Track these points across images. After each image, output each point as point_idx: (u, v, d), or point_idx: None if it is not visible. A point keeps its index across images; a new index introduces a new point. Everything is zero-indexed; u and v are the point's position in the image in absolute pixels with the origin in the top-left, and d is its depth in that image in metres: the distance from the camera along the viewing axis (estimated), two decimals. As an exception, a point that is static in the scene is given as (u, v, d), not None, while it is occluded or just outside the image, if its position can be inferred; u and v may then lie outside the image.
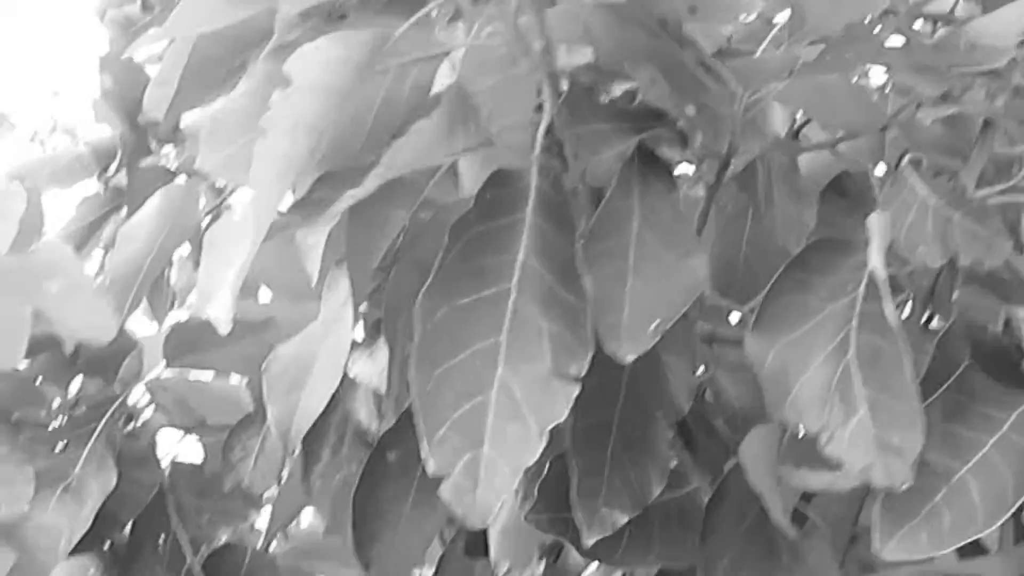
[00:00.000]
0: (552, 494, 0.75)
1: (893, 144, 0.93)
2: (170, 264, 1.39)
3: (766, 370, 0.69)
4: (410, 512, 0.90)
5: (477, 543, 0.88)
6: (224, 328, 0.61)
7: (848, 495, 0.86)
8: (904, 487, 0.65)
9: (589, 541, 0.71)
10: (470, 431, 0.61)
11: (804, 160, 0.90)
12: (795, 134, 0.95)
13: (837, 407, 0.67)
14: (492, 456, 0.60)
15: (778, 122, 0.87)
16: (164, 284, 1.38)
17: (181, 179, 1.33)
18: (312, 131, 0.62)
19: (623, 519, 0.72)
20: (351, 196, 0.63)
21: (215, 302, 0.62)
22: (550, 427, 0.61)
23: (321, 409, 0.71)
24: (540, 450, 0.61)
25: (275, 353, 0.76)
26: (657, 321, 0.65)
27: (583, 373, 0.63)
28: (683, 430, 0.84)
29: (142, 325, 1.39)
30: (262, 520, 1.28)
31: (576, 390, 0.62)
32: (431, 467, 0.60)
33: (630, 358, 0.64)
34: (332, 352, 0.69)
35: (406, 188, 0.71)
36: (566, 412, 0.62)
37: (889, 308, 0.67)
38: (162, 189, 1.08)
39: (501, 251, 0.65)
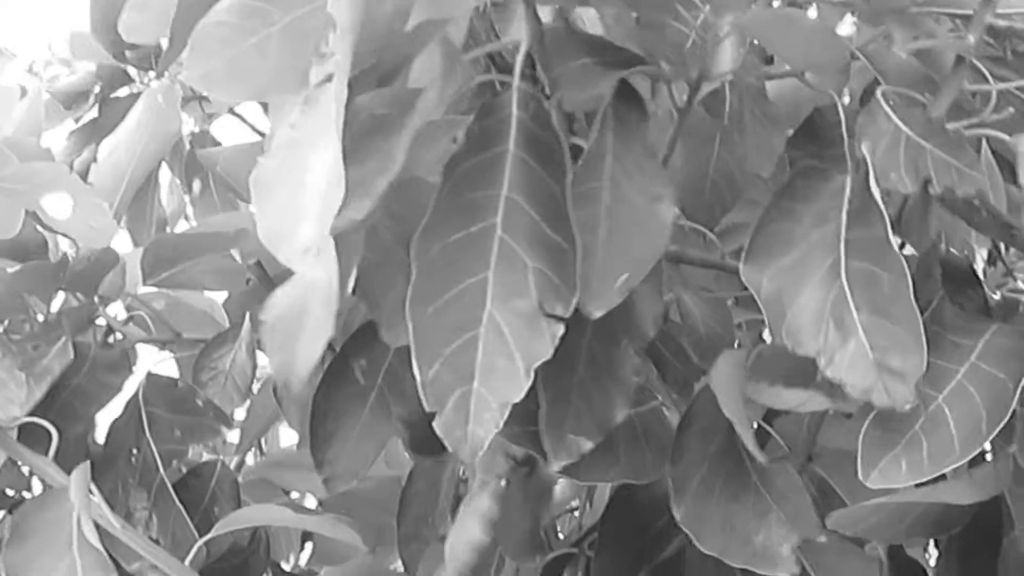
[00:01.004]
0: (523, 408, 0.75)
1: (860, 73, 0.92)
2: (158, 186, 1.38)
3: (763, 296, 0.69)
4: (366, 418, 0.90)
5: (424, 443, 0.87)
6: (310, 265, 0.57)
7: (807, 417, 0.87)
8: (907, 408, 0.66)
9: (556, 467, 0.71)
10: (461, 367, 0.61)
11: (771, 87, 0.89)
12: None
13: (833, 331, 0.67)
14: (481, 392, 0.60)
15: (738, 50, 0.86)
16: (147, 209, 1.37)
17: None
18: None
19: (588, 445, 0.72)
20: (390, 173, 0.61)
21: (300, 234, 0.58)
22: (536, 364, 0.61)
23: (319, 356, 0.70)
24: (526, 387, 0.61)
25: (269, 302, 0.74)
26: (626, 276, 0.65)
27: (568, 313, 0.62)
28: (651, 349, 0.84)
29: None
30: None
31: (561, 329, 0.62)
32: (426, 403, 0.60)
33: (597, 314, 0.64)
34: (323, 300, 0.67)
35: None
36: (551, 351, 0.62)
37: (889, 234, 0.67)
38: (142, 96, 1.06)
39: (487, 185, 0.64)
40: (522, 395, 0.61)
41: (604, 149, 0.70)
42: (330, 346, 0.97)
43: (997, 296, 0.91)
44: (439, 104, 0.66)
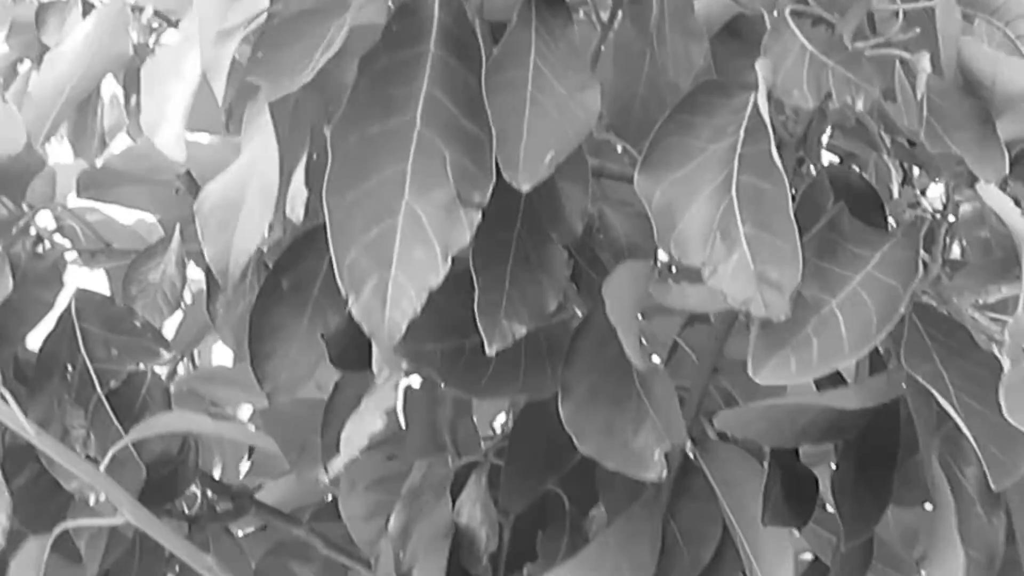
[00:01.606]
0: (424, 326, 0.75)
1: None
2: (100, 99, 1.36)
3: (654, 207, 0.69)
4: (304, 331, 0.90)
5: (345, 355, 0.87)
6: (177, 155, 0.60)
7: (713, 329, 0.88)
8: (782, 319, 0.66)
9: (491, 351, 0.70)
10: (378, 254, 0.61)
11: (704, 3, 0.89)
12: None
13: (719, 243, 0.67)
14: (400, 278, 0.61)
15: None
16: (89, 121, 1.35)
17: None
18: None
19: (522, 331, 0.72)
20: (329, 51, 0.61)
21: (164, 131, 0.60)
22: (454, 251, 0.61)
23: (255, 246, 0.70)
24: (444, 272, 0.61)
25: (205, 192, 0.74)
26: (552, 153, 0.65)
27: (486, 201, 0.63)
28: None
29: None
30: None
31: (478, 217, 0.62)
32: (342, 287, 0.60)
33: (527, 187, 0.64)
34: (260, 191, 0.67)
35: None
36: (469, 237, 0.62)
37: (773, 149, 0.67)
38: (93, 13, 1.04)
39: (406, 82, 0.64)
40: (440, 280, 0.61)
41: (527, 45, 0.69)
42: (264, 264, 0.98)
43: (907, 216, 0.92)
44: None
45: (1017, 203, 0.77)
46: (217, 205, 0.69)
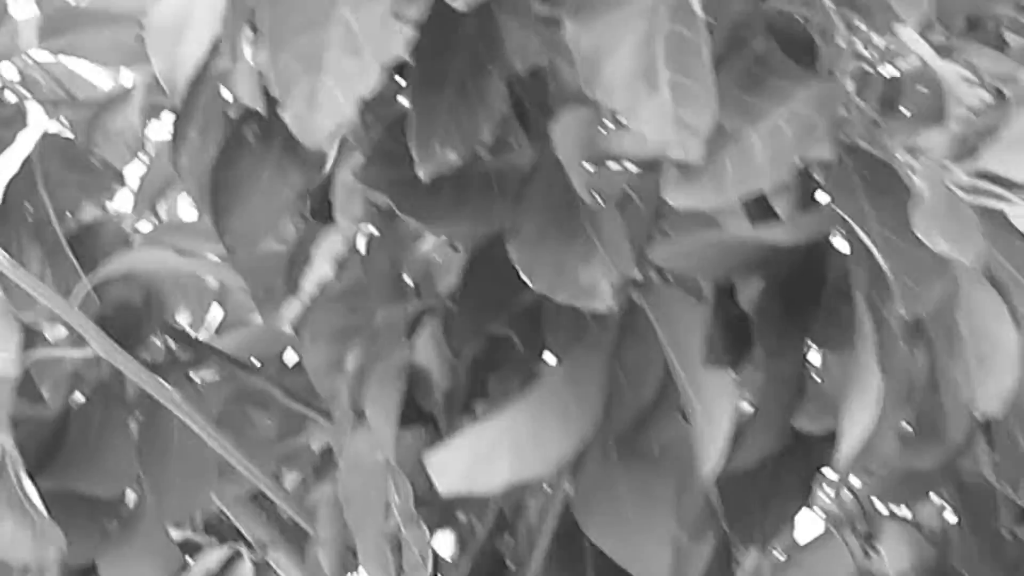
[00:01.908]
0: (383, 153, 0.77)
1: None
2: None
3: (581, 53, 0.70)
4: (265, 184, 0.91)
5: (321, 208, 0.90)
6: None
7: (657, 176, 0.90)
8: (698, 162, 0.69)
9: (422, 173, 0.72)
10: (308, 60, 0.62)
11: None
12: None
13: (642, 88, 0.69)
14: (329, 84, 0.62)
15: None
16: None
17: None
18: None
19: (453, 156, 0.73)
20: None
21: None
22: (386, 62, 0.63)
23: (203, 55, 0.71)
24: (374, 82, 0.63)
25: (155, 9, 0.75)
26: None
27: (422, 17, 0.64)
28: (518, 106, 0.86)
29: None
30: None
31: (411, 32, 0.64)
32: (272, 89, 0.62)
33: (463, 6, 0.65)
34: (206, 4, 0.68)
35: None
36: (402, 49, 0.63)
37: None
38: None
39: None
40: (370, 90, 0.62)
41: None
42: (227, 116, 0.99)
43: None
44: None
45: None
46: (165, 21, 0.70)
